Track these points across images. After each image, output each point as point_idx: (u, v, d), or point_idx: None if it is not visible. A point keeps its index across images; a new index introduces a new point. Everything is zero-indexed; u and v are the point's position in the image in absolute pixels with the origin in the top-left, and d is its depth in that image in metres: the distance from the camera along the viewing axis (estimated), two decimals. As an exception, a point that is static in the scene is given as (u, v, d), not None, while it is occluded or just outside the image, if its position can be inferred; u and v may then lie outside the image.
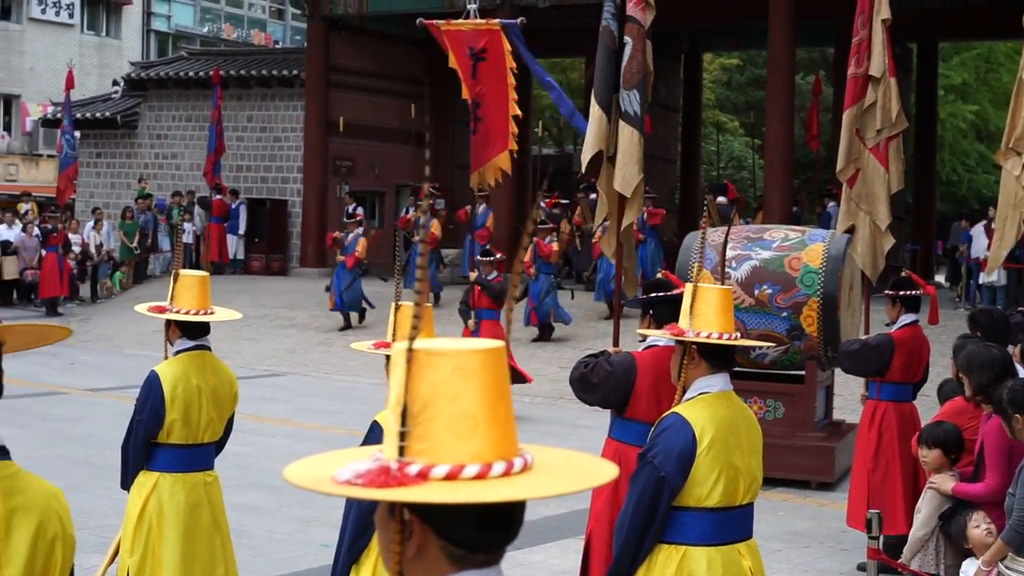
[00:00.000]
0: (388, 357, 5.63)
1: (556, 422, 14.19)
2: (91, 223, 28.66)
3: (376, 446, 2.07)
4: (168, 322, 6.50)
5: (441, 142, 32.87)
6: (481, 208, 23.54)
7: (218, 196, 28.78)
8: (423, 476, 1.90)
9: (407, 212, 25.22)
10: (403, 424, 1.93)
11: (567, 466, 2.04)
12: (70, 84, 29.19)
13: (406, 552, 2.00)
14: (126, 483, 6.48)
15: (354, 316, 22.28)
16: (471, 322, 15.87)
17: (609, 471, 2.03)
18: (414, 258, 21.95)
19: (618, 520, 5.25)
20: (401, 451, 1.93)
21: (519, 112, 16.19)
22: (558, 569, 8.76)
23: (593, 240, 21.05)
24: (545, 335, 20.44)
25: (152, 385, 6.34)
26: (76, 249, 27.43)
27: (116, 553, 6.52)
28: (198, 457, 6.45)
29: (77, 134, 30.02)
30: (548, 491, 1.93)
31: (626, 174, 9.37)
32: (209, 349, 6.58)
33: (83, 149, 31.67)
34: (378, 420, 5.47)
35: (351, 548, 5.48)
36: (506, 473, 1.93)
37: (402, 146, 31.65)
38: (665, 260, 21.68)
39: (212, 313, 6.46)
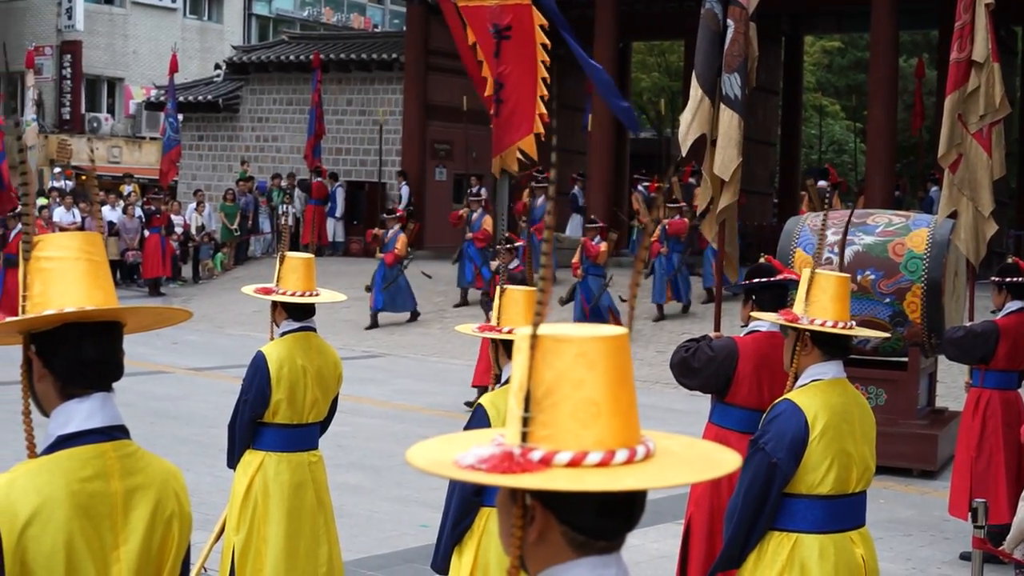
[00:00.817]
0: (492, 341, 5.67)
1: (652, 407, 14.16)
2: (193, 205, 29.09)
3: (495, 430, 2.07)
4: (274, 303, 6.57)
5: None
6: (540, 200, 22.38)
7: (318, 179, 29.04)
8: (546, 462, 1.90)
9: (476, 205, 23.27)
10: (526, 410, 1.94)
11: (691, 454, 2.03)
12: (174, 68, 29.61)
13: (527, 537, 2.00)
14: (232, 462, 6.57)
15: (401, 315, 21.57)
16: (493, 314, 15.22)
17: (733, 460, 2.01)
18: (468, 250, 21.68)
19: (729, 506, 5.23)
20: (524, 437, 1.93)
21: (547, 93, 14.96)
22: (656, 553, 8.73)
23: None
24: None
25: (259, 365, 6.41)
26: (178, 230, 27.85)
27: (222, 531, 6.61)
28: (303, 437, 6.52)
29: (180, 117, 30.46)
30: (671, 480, 1.92)
31: (725, 157, 9.30)
32: (314, 330, 6.65)
33: (185, 132, 32.10)
34: (483, 403, 5.49)
35: (454, 530, 5.50)
36: (629, 461, 1.92)
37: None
38: (688, 269, 20.88)
39: (317, 295, 6.52)
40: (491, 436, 2.03)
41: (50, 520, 2.80)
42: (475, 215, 22.16)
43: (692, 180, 25.60)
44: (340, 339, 19.28)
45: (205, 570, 6.50)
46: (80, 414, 2.91)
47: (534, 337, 1.95)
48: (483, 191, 25.40)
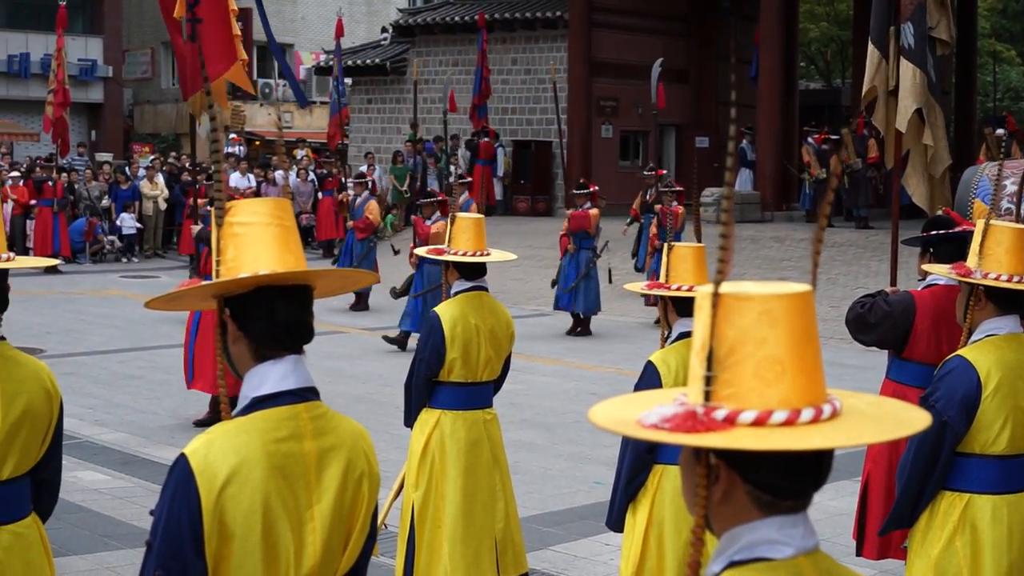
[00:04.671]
0: (661, 298, 5.67)
1: (827, 363, 13.93)
2: (363, 167, 29.50)
3: (676, 389, 2.08)
4: (446, 264, 6.66)
5: (705, 80, 32.53)
6: (462, 198, 17.75)
7: (484, 139, 29.19)
8: (730, 422, 1.91)
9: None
10: (709, 369, 1.94)
11: (878, 413, 2.01)
12: (340, 32, 30.01)
13: (712, 497, 2.01)
14: (409, 420, 6.68)
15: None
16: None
17: (921, 419, 1.99)
18: (348, 241, 19.49)
19: (899, 465, 5.15)
20: (707, 396, 1.94)
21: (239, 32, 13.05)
22: (834, 511, 8.64)
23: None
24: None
25: (433, 325, 6.50)
26: (350, 193, 28.27)
27: (401, 488, 6.74)
28: (477, 395, 6.60)
29: (348, 81, 30.87)
30: (858, 439, 1.91)
31: (901, 109, 9.08)
32: (486, 290, 6.72)
33: (354, 96, 32.56)
34: (653, 360, 5.50)
35: (627, 487, 5.53)
36: (815, 420, 1.92)
37: (666, 84, 31.44)
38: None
39: (488, 254, 6.59)
40: (673, 395, 2.04)
41: (247, 480, 2.89)
42: (359, 199, 19.78)
43: (866, 132, 25.10)
44: (509, 297, 19.42)
45: (385, 526, 6.62)
46: (274, 376, 2.99)
47: (716, 295, 1.95)
48: (376, 170, 23.62)
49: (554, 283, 17.90)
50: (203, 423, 10.93)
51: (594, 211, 17.55)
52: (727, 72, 31.71)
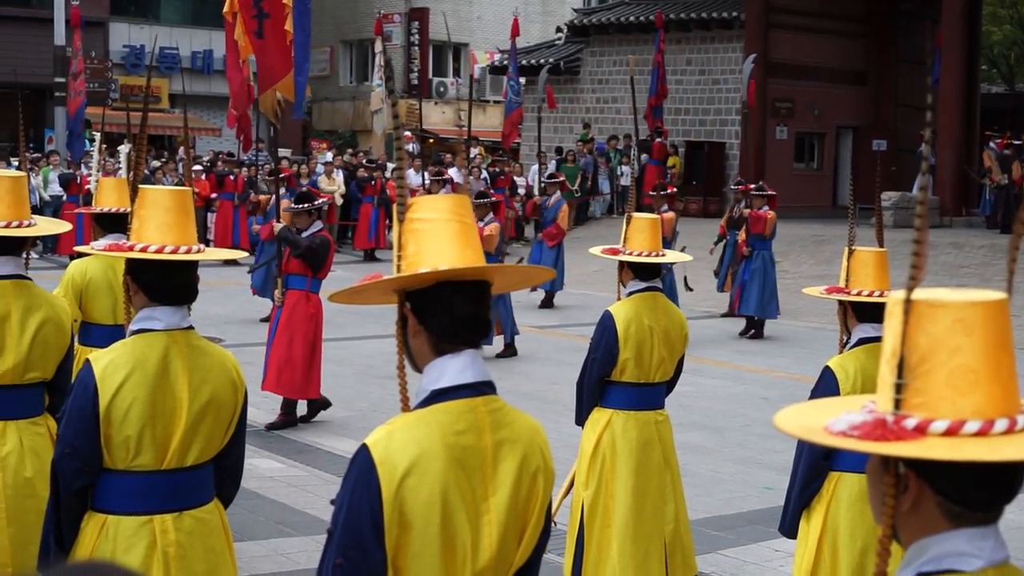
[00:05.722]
0: (840, 303, 5.59)
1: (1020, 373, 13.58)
2: (535, 167, 29.64)
3: (864, 396, 2.05)
4: (621, 264, 6.65)
5: (883, 82, 31.91)
6: (553, 198, 19.34)
7: (658, 139, 29.09)
8: (921, 431, 1.87)
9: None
10: (900, 376, 1.91)
11: None
12: (515, 32, 30.20)
13: (900, 507, 1.98)
14: (580, 419, 6.70)
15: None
16: (277, 293, 11.25)
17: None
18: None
19: None
20: (897, 404, 1.91)
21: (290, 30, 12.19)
22: (1018, 524, 8.40)
23: None
24: (753, 331, 17.35)
25: (606, 325, 6.51)
26: (521, 191, 28.45)
27: (570, 486, 6.76)
28: (649, 396, 6.59)
29: (522, 80, 31.04)
30: (1054, 451, 1.86)
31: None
32: (661, 290, 6.71)
33: (527, 95, 32.73)
34: (831, 366, 5.42)
35: (802, 493, 5.46)
36: (1009, 430, 1.87)
37: (843, 86, 30.96)
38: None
39: (663, 255, 6.57)
40: (861, 402, 2.01)
41: (427, 471, 2.93)
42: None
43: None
44: (679, 299, 19.30)
45: (555, 524, 6.65)
46: (452, 369, 3.02)
47: (908, 302, 1.91)
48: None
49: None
50: (275, 426, 11.06)
51: (669, 215, 16.48)
52: (908, 74, 31.08)
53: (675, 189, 17.72)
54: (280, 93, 12.20)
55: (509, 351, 15.13)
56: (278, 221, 11.29)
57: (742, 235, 17.34)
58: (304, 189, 12.32)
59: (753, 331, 17.33)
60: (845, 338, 5.59)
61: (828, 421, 1.96)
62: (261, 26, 12.13)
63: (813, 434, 1.95)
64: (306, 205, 10.96)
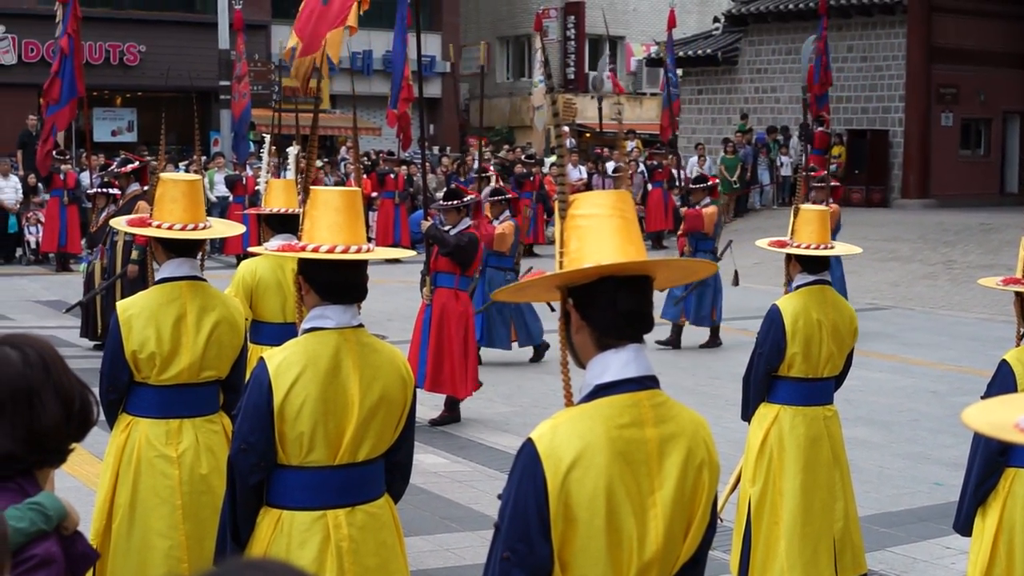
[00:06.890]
0: (1018, 294, 5.43)
1: None
2: (694, 159, 29.43)
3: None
4: (788, 256, 6.56)
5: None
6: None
7: (820, 128, 28.62)
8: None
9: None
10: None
11: None
12: (672, 24, 29.98)
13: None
14: (747, 414, 6.62)
15: None
16: (426, 291, 11.26)
17: None
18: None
19: None
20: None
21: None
22: None
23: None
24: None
25: (774, 319, 6.42)
26: (678, 184, 28.25)
27: (737, 482, 6.69)
28: (818, 391, 6.48)
29: (679, 72, 30.84)
30: None
31: None
32: (829, 283, 6.59)
33: (685, 87, 32.49)
34: (1008, 360, 5.28)
35: (977, 490, 5.35)
36: None
37: (1008, 70, 30.09)
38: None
39: (831, 247, 6.47)
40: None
41: (591, 465, 2.93)
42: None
43: None
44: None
45: (721, 520, 6.59)
46: (616, 364, 3.03)
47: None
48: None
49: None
50: (439, 422, 11.06)
51: (710, 209, 15.44)
52: None
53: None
54: (327, 52, 11.91)
55: (537, 354, 14.15)
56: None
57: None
58: (452, 186, 12.41)
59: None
60: (1022, 330, 5.44)
61: (1019, 417, 1.89)
62: None
63: (1004, 432, 1.89)
64: (455, 202, 11.01)
